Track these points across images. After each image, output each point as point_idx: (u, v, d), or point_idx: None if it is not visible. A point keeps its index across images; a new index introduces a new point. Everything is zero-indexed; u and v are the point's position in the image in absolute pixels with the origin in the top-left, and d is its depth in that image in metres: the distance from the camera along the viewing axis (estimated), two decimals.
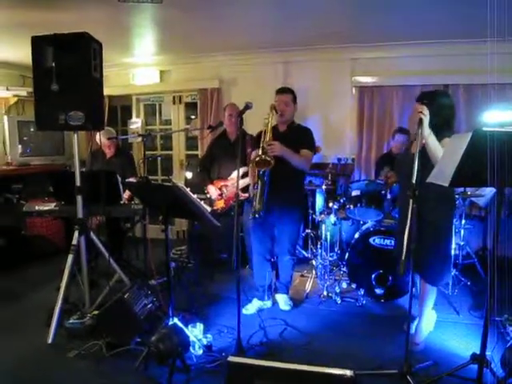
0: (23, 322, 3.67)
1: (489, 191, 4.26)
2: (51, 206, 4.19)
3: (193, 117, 6.62)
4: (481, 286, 4.28)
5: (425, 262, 3.01)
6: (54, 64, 3.24)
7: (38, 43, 3.31)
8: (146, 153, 4.02)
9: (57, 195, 4.25)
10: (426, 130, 2.71)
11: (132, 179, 3.76)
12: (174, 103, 6.48)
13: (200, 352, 3.05)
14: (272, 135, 3.50)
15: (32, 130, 5.84)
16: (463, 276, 4.33)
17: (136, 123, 6.27)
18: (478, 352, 2.67)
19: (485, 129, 2.34)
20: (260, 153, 3.39)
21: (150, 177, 4.46)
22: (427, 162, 2.69)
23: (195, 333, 3.11)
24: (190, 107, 6.55)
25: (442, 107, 2.92)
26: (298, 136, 3.74)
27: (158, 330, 2.90)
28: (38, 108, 3.42)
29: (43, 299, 4.07)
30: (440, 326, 3.49)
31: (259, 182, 3.45)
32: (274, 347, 3.23)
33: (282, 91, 3.77)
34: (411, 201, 2.56)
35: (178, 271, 4.78)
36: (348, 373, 2.23)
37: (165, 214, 2.93)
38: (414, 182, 2.56)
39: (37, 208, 4.17)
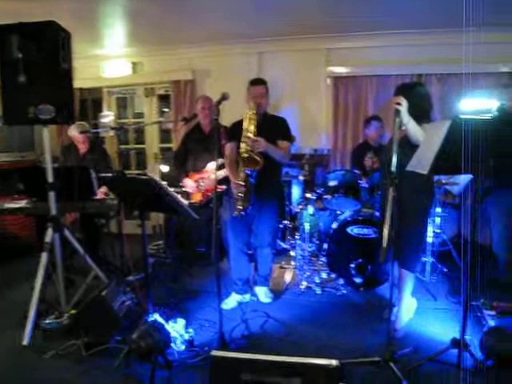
0: None
1: (462, 179, 4.32)
2: (22, 203, 4.07)
3: (166, 110, 6.50)
4: (457, 272, 4.35)
5: (403, 249, 3.05)
6: (20, 55, 3.10)
7: (2, 32, 3.15)
8: (120, 147, 3.91)
9: (28, 192, 4.10)
10: (405, 118, 2.78)
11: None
12: (146, 96, 6.34)
13: (182, 347, 3.00)
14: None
15: None
16: (440, 263, 4.39)
17: (107, 117, 6.11)
18: (457, 337, 2.74)
19: (463, 116, 2.37)
20: (244, 150, 3.33)
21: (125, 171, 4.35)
22: (408, 151, 2.73)
23: (176, 328, 3.06)
24: (163, 100, 6.44)
25: (420, 98, 3.04)
26: (273, 126, 3.69)
27: (138, 326, 2.84)
28: (6, 101, 3.26)
29: (17, 299, 3.94)
30: (419, 312, 3.53)
31: (246, 182, 3.41)
32: (256, 340, 3.21)
33: (256, 83, 3.70)
34: (391, 189, 2.58)
35: (156, 266, 4.72)
36: (333, 362, 2.23)
37: (141, 208, 2.86)
38: (393, 170, 2.58)
39: (7, 206, 4.04)
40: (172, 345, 2.92)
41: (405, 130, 2.88)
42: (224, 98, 3.02)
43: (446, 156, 2.40)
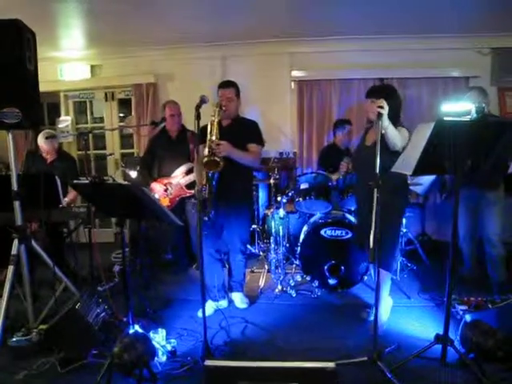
0: None
1: (426, 179, 4.46)
2: None
3: (122, 114, 6.33)
4: (425, 270, 4.51)
5: (381, 249, 3.08)
6: None
7: None
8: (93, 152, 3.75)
9: None
10: (386, 122, 2.85)
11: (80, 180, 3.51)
12: (106, 100, 6.15)
13: (164, 359, 2.90)
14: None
15: None
16: (408, 261, 4.51)
17: (65, 122, 5.87)
18: (439, 332, 2.80)
19: (446, 118, 2.45)
20: (207, 153, 3.25)
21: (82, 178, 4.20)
22: (382, 154, 2.76)
23: (157, 339, 2.95)
24: (124, 104, 6.27)
25: (395, 102, 3.10)
26: (243, 130, 3.64)
27: (119, 339, 2.71)
28: None
29: None
30: (395, 311, 3.59)
31: (207, 184, 3.34)
32: (239, 346, 3.15)
33: (225, 85, 3.63)
34: (375, 190, 2.62)
35: (123, 275, 4.55)
36: (330, 365, 2.22)
37: (120, 215, 2.74)
38: (377, 172, 2.62)
39: None
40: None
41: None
42: (203, 101, 2.95)
43: (430, 157, 2.47)
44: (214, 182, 3.38)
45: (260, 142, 3.68)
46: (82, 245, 4.81)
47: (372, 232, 2.58)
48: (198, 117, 2.84)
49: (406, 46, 5.24)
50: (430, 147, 2.42)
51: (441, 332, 2.81)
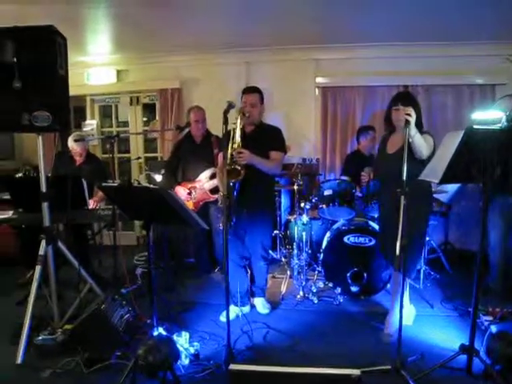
0: None
1: (451, 187, 4.41)
2: (9, 214, 3.90)
3: (145, 119, 6.41)
4: (448, 279, 4.45)
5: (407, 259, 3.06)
6: (15, 59, 2.97)
7: None
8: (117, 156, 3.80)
9: (15, 202, 3.93)
10: (413, 130, 2.84)
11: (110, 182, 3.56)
12: (131, 104, 6.24)
13: (186, 362, 2.92)
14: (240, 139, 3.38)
15: None
16: (431, 270, 4.45)
17: (90, 125, 5.98)
18: (464, 343, 2.79)
19: (476, 127, 2.42)
20: (229, 162, 3.24)
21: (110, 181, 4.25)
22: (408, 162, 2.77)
23: (181, 342, 2.97)
24: (148, 109, 6.35)
25: (418, 109, 3.08)
26: (266, 137, 3.64)
27: (144, 341, 2.73)
28: None
29: (1, 315, 3.78)
30: (418, 319, 3.57)
31: (229, 193, 3.33)
32: (261, 351, 3.15)
33: (249, 91, 3.64)
34: (402, 197, 2.61)
35: (145, 277, 4.60)
36: (355, 372, 2.21)
37: (147, 219, 2.77)
38: (404, 179, 2.61)
39: None
40: None
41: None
42: (231, 106, 2.96)
43: (458, 165, 2.45)
44: (234, 192, 3.39)
45: (282, 149, 3.68)
46: (105, 247, 4.92)
47: (398, 239, 2.57)
48: (225, 122, 2.85)
49: (431, 53, 5.20)
50: (459, 155, 2.40)
51: (465, 342, 2.80)
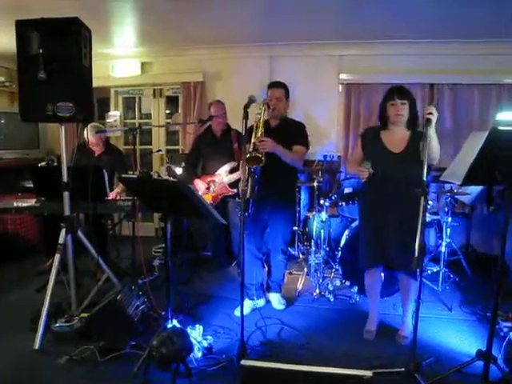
0: (2, 327, 3.40)
1: (474, 189, 4.32)
2: (31, 202, 3.97)
3: (168, 111, 6.43)
4: (468, 282, 4.36)
5: (410, 258, 3.01)
6: (41, 51, 3.01)
7: (23, 28, 3.05)
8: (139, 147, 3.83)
9: (37, 191, 4.01)
10: (433, 130, 2.76)
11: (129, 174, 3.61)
12: (154, 97, 6.28)
13: (199, 355, 2.93)
14: (264, 130, 3.36)
15: (2, 121, 5.54)
16: (450, 272, 4.37)
17: (114, 116, 6.03)
18: (481, 348, 2.73)
19: (500, 128, 2.36)
20: (251, 149, 3.25)
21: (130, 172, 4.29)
22: (414, 163, 2.79)
23: (194, 335, 2.98)
24: (171, 101, 6.37)
25: (412, 102, 3.06)
26: (290, 131, 3.64)
27: (158, 332, 2.76)
28: (23, 98, 3.16)
29: (21, 301, 3.87)
30: (434, 322, 3.53)
31: (249, 179, 3.30)
32: (275, 347, 3.14)
33: (275, 85, 3.65)
34: (422, 198, 2.56)
35: (162, 269, 4.64)
36: (367, 373, 2.20)
37: (165, 211, 2.79)
38: (424, 179, 2.57)
39: (15, 204, 3.94)
40: None
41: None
42: (251, 101, 2.95)
43: (481, 167, 2.39)
44: (256, 177, 3.32)
45: (305, 144, 3.67)
46: (123, 237, 4.98)
47: (417, 240, 2.52)
48: (245, 116, 2.84)
49: (457, 51, 5.09)
50: (482, 157, 2.35)
51: (482, 348, 2.74)
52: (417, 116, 3.05)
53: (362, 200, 3.48)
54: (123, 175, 2.85)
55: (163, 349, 2.59)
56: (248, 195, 3.22)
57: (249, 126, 3.61)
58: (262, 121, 3.34)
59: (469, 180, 2.47)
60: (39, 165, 4.98)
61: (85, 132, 3.71)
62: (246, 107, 2.87)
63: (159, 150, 5.39)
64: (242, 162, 3.69)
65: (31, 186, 4.74)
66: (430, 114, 2.68)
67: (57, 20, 3.03)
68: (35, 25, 3.03)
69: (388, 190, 3.05)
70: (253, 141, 3.29)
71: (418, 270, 2.53)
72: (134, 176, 2.70)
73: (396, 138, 3.08)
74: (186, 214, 3.05)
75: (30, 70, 3.06)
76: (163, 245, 5.39)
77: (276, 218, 3.66)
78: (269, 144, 3.29)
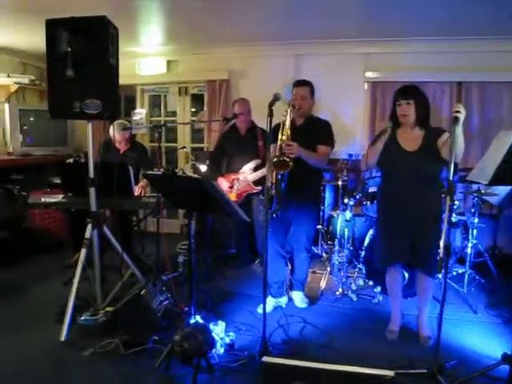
0: (30, 319, 3.51)
1: (502, 189, 4.22)
2: (59, 197, 4.05)
3: (193, 109, 6.47)
4: (494, 284, 4.26)
5: (428, 257, 3.00)
6: (69, 49, 3.07)
7: (53, 27, 3.12)
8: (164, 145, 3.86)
9: (65, 186, 4.09)
10: (460, 128, 2.67)
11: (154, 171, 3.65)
12: (179, 95, 6.32)
13: (221, 351, 2.96)
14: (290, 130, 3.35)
15: (32, 119, 5.68)
16: (476, 274, 4.29)
17: (140, 114, 6.09)
18: (506, 352, 2.68)
19: None
20: (278, 153, 3.25)
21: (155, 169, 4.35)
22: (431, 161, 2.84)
23: (217, 331, 3.01)
24: (196, 99, 6.42)
25: (426, 100, 3.05)
26: (315, 130, 3.63)
27: (181, 328, 2.79)
28: (52, 95, 3.24)
29: (49, 294, 3.97)
30: (459, 324, 3.48)
31: (277, 184, 3.34)
32: (296, 346, 3.15)
33: (300, 84, 3.66)
34: (448, 198, 2.52)
35: (186, 266, 4.68)
36: (389, 373, 2.18)
37: (189, 208, 2.81)
38: (451, 178, 2.52)
39: (43, 200, 4.02)
40: None
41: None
42: (276, 98, 2.94)
43: (509, 166, 2.34)
44: (283, 184, 3.38)
45: (330, 143, 3.65)
46: (149, 234, 5.04)
47: (442, 241, 2.49)
48: (270, 114, 2.84)
49: (484, 48, 4.96)
50: (509, 157, 2.30)
51: (508, 351, 2.68)
52: (427, 114, 3.02)
53: (379, 198, 3.49)
54: (148, 172, 2.88)
55: (185, 344, 2.61)
56: (276, 203, 3.28)
57: (274, 124, 3.66)
58: (287, 123, 3.33)
59: (497, 180, 2.41)
60: (67, 161, 5.07)
61: (111, 129, 3.78)
62: (271, 105, 2.87)
63: (184, 147, 5.42)
64: (267, 161, 3.73)
65: (59, 182, 4.86)
66: (458, 111, 2.62)
67: (85, 19, 3.08)
68: (64, 24, 3.09)
69: (403, 188, 3.04)
70: (279, 143, 3.29)
71: (439, 270, 2.46)
72: (159, 173, 2.74)
73: (410, 136, 3.05)
74: (209, 211, 3.07)
75: (58, 68, 3.13)
76: (187, 242, 5.46)
77: (300, 216, 3.66)
78: (294, 149, 3.29)
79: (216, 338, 2.92)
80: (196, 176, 2.56)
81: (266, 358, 2.26)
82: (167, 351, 2.76)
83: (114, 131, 4.36)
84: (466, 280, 4.14)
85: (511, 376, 2.61)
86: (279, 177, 3.35)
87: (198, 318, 2.93)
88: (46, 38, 3.16)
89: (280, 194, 3.37)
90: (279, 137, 3.31)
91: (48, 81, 3.26)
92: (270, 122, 2.85)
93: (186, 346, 2.61)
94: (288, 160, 3.22)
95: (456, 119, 2.62)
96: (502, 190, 4.22)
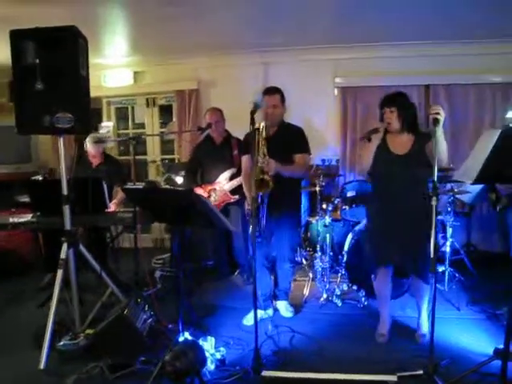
0: (4, 346, 3.29)
1: (473, 188, 4.30)
2: (28, 217, 3.85)
3: (161, 121, 6.36)
4: (473, 281, 4.35)
5: (422, 262, 3.01)
6: (37, 61, 2.93)
7: (17, 38, 2.97)
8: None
9: (34, 205, 3.90)
10: (440, 130, 2.71)
11: (131, 185, 3.51)
12: (147, 106, 6.22)
13: (212, 367, 2.86)
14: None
15: None
16: (455, 271, 4.36)
17: (107, 127, 5.94)
18: (496, 346, 2.71)
19: None
20: (257, 171, 3.16)
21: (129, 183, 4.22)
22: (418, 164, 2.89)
23: (206, 347, 2.90)
24: (164, 110, 6.31)
25: (410, 107, 3.09)
26: (290, 138, 3.57)
27: (170, 346, 2.68)
28: (19, 109, 3.07)
29: (22, 319, 3.78)
30: (444, 322, 3.47)
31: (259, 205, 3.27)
32: (288, 356, 3.07)
33: (270, 92, 3.55)
34: (434, 199, 2.55)
35: (164, 281, 4.55)
36: (392, 379, 2.15)
37: (172, 221, 2.72)
38: (435, 180, 2.55)
39: (11, 220, 3.82)
40: None
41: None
42: (257, 106, 2.89)
43: (494, 165, 2.37)
44: (265, 201, 3.31)
45: (307, 150, 3.63)
46: (121, 250, 4.86)
47: (432, 242, 2.51)
48: (252, 123, 2.78)
49: (451, 52, 5.11)
50: (495, 155, 2.33)
51: (495, 346, 2.73)
52: (412, 120, 3.05)
53: (370, 201, 3.48)
54: (127, 186, 2.77)
55: (177, 363, 2.52)
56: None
57: (248, 133, 3.58)
58: (262, 140, 3.26)
59: (481, 178, 2.44)
60: (32, 178, 4.86)
61: (86, 143, 3.63)
62: (253, 113, 2.82)
63: (154, 161, 5.27)
64: (243, 174, 3.67)
65: (25, 200, 4.64)
66: (437, 113, 2.66)
67: (53, 29, 2.96)
68: (31, 34, 2.95)
69: (394, 191, 3.06)
70: (259, 164, 3.19)
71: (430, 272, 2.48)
72: (140, 187, 2.63)
73: (399, 141, 3.08)
74: (193, 223, 2.97)
75: (26, 81, 2.98)
76: (164, 256, 5.34)
77: (282, 227, 3.60)
78: (271, 166, 3.23)
79: (206, 354, 2.83)
80: (180, 188, 2.46)
81: (265, 373, 2.18)
82: (157, 371, 2.64)
83: (88, 145, 4.22)
84: (446, 278, 4.19)
85: (504, 371, 2.64)
86: (260, 197, 3.26)
87: (187, 335, 2.82)
88: (11, 49, 3.00)
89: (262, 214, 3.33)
90: (255, 155, 3.15)
91: (15, 94, 3.09)
92: (253, 130, 2.79)
93: (178, 365, 2.51)
94: (268, 179, 3.17)
95: (436, 121, 2.66)
96: (473, 189, 4.29)
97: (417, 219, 2.98)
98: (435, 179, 2.57)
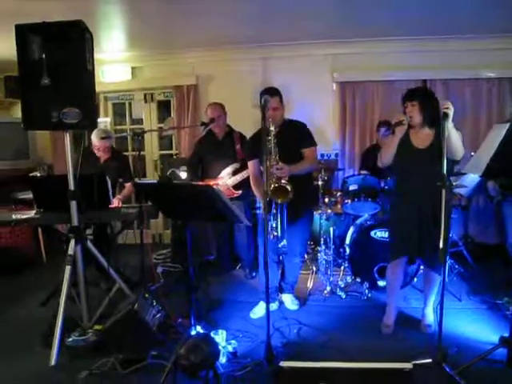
0: (13, 344, 3.27)
1: (470, 181, 4.37)
2: (31, 213, 3.83)
3: (159, 116, 6.33)
4: (472, 272, 4.44)
5: (434, 253, 2.99)
6: (44, 56, 2.91)
7: (23, 32, 2.94)
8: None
9: (37, 202, 3.87)
10: (450, 123, 2.79)
11: (146, 180, 3.51)
12: (145, 101, 6.18)
13: (224, 360, 2.88)
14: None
15: None
16: (455, 263, 4.43)
17: (104, 123, 5.88)
18: (500, 335, 2.82)
19: None
20: (274, 180, 3.17)
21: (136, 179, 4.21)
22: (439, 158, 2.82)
23: (218, 340, 2.92)
24: (162, 106, 6.28)
25: (432, 101, 3.12)
26: (294, 134, 3.57)
27: (183, 340, 2.70)
28: (26, 105, 3.04)
29: (26, 317, 3.74)
30: (447, 313, 3.48)
31: (277, 212, 3.32)
32: (298, 347, 3.12)
33: (269, 94, 3.39)
34: (443, 191, 2.59)
35: (167, 276, 4.57)
36: (407, 366, 2.20)
37: (185, 216, 2.73)
38: (444, 172, 2.59)
39: (14, 217, 3.79)
40: None
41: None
42: (267, 100, 2.91)
43: (503, 158, 2.42)
44: (284, 211, 3.35)
45: (313, 143, 3.64)
46: (122, 246, 4.86)
47: (442, 232, 2.56)
48: (263, 117, 2.80)
49: (449, 47, 5.17)
50: (504, 148, 2.38)
51: (498, 335, 2.84)
52: (434, 114, 3.03)
53: (393, 194, 3.58)
54: (139, 181, 2.77)
55: (192, 356, 2.52)
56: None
57: (253, 136, 3.68)
58: (271, 143, 3.25)
59: (490, 172, 2.49)
60: (30, 175, 4.82)
61: (92, 138, 3.61)
62: (263, 108, 2.83)
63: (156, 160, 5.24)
64: (251, 177, 3.69)
65: (25, 197, 4.61)
66: (447, 108, 2.72)
67: (59, 24, 2.94)
68: (37, 29, 2.93)
69: (414, 184, 3.12)
70: (275, 171, 3.20)
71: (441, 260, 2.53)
72: (154, 181, 2.64)
73: (421, 135, 3.14)
74: (204, 218, 2.98)
75: (32, 76, 2.96)
76: (164, 251, 5.35)
77: (297, 223, 3.58)
78: (285, 171, 3.22)
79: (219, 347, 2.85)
80: (196, 183, 2.47)
81: (284, 363, 2.22)
82: (171, 365, 2.65)
83: (95, 140, 4.20)
84: (446, 270, 4.25)
85: (510, 358, 2.71)
86: (279, 204, 3.30)
87: (199, 329, 2.84)
88: (16, 44, 2.96)
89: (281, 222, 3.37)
90: (267, 163, 3.05)
91: (21, 90, 3.06)
92: (265, 125, 2.80)
93: (193, 359, 2.52)
94: (286, 186, 3.16)
95: (446, 115, 2.72)
96: (470, 182, 4.37)
97: (434, 212, 2.99)
98: (444, 172, 2.60)
